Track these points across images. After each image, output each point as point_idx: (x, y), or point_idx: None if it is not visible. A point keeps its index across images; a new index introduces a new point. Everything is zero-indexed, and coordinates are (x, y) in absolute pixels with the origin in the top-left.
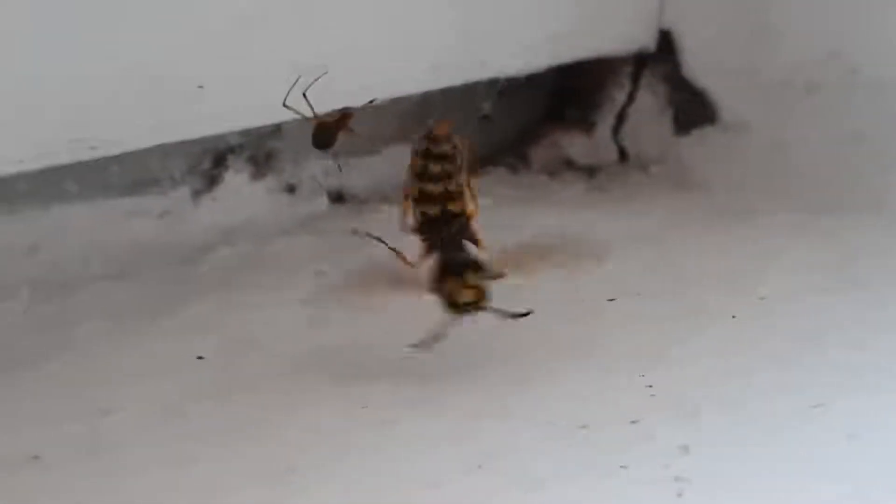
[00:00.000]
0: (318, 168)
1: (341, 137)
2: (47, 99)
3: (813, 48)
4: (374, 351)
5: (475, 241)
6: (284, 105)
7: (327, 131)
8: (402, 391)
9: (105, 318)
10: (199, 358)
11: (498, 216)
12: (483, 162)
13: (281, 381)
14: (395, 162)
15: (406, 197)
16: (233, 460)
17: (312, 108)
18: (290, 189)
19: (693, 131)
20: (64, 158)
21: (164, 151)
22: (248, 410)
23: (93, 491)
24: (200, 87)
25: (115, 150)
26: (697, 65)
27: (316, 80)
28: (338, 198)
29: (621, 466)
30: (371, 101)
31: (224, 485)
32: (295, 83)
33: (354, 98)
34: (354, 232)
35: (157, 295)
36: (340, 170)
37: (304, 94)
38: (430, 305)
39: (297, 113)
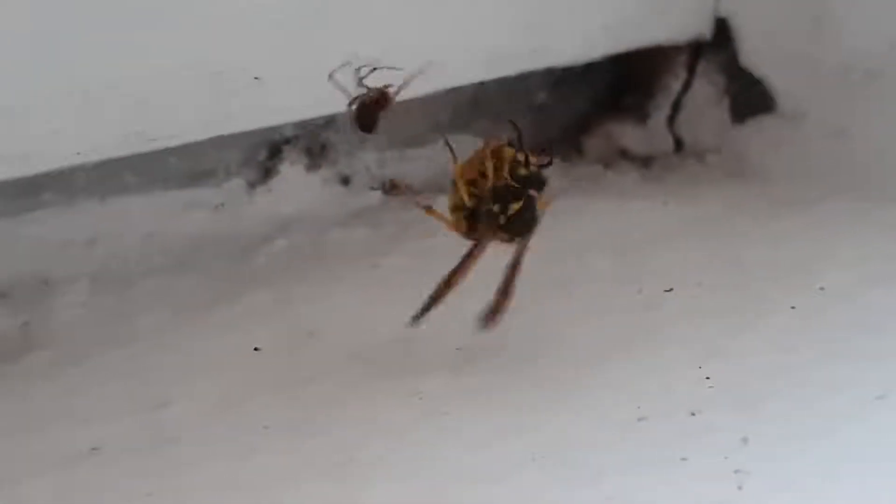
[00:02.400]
0: (372, 160)
1: (382, 119)
2: (106, 92)
3: (873, 35)
4: (431, 343)
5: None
6: (330, 78)
7: (368, 113)
8: (458, 383)
9: (163, 311)
10: (256, 350)
11: (552, 206)
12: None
13: (338, 373)
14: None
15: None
16: (291, 452)
17: (349, 91)
18: (345, 180)
19: (750, 120)
20: (122, 151)
21: (220, 143)
22: (306, 403)
23: (152, 483)
24: (257, 78)
25: (173, 142)
26: (755, 53)
27: (348, 64)
28: (392, 189)
29: (681, 459)
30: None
31: (283, 477)
32: (347, 64)
33: (411, 89)
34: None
35: (213, 287)
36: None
37: (330, 76)
38: (483, 296)
39: (340, 89)
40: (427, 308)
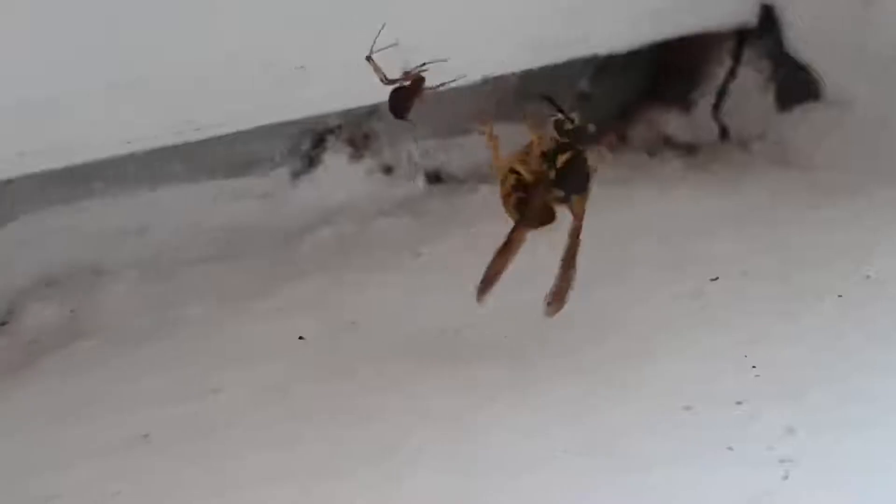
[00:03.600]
0: (415, 149)
1: (417, 104)
2: (155, 82)
3: None
4: (475, 332)
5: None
6: (367, 58)
7: (402, 97)
8: (504, 372)
9: (209, 300)
10: (301, 338)
11: (596, 195)
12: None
13: (382, 362)
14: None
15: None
16: (337, 441)
17: (384, 74)
18: (388, 170)
19: (796, 108)
20: (171, 140)
21: (265, 133)
22: (351, 391)
23: (200, 470)
24: (301, 68)
25: (220, 132)
26: (801, 40)
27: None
28: (435, 178)
29: (727, 448)
30: (444, 84)
31: (329, 465)
32: (389, 47)
33: (453, 78)
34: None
35: (259, 276)
36: (414, 125)
37: (367, 58)
38: (530, 284)
39: (376, 70)
40: (484, 282)
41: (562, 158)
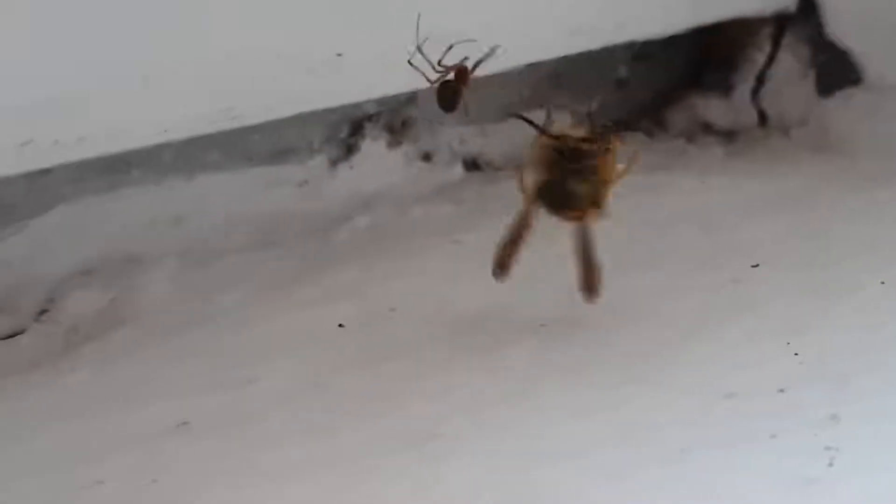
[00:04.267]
0: (453, 136)
1: (466, 95)
2: (192, 71)
3: None
4: (513, 319)
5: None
6: (409, 63)
7: (450, 91)
8: (542, 359)
9: (247, 288)
10: (340, 326)
11: (634, 181)
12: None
13: (420, 350)
14: (530, 129)
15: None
16: (376, 429)
17: (432, 68)
18: (426, 157)
19: (836, 93)
20: (207, 128)
21: (303, 120)
22: (389, 378)
23: (239, 458)
24: (339, 55)
25: (257, 120)
26: (841, 24)
27: (425, 40)
28: (473, 165)
29: (770, 436)
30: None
31: (368, 453)
32: (423, 42)
33: (491, 65)
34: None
35: (297, 264)
36: (467, 113)
37: (409, 62)
38: (566, 270)
39: (420, 72)
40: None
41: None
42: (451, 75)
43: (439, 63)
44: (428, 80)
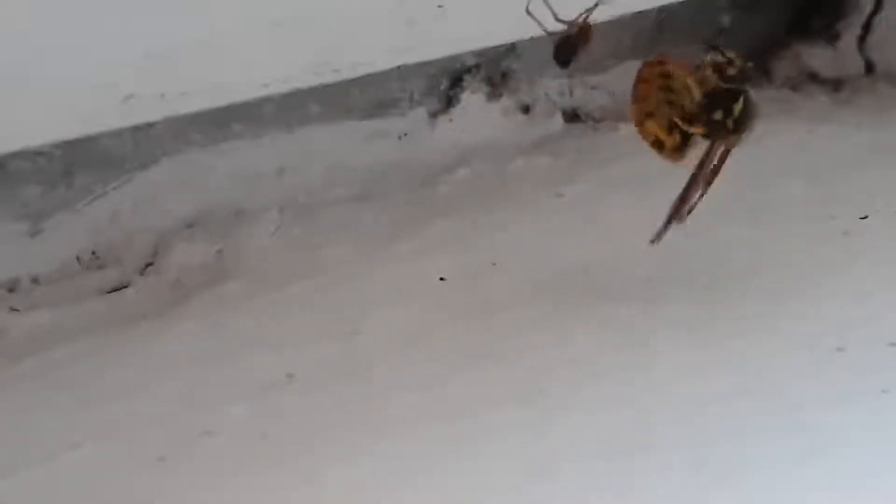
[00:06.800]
0: (552, 87)
1: (583, 53)
2: (291, 24)
3: None
4: (617, 273)
5: None
6: (527, 11)
7: (569, 46)
8: (649, 314)
9: (350, 240)
10: (441, 279)
11: None
12: None
13: (523, 303)
14: (630, 78)
15: None
16: (480, 382)
17: (552, 16)
18: (525, 109)
19: None
20: (308, 81)
21: (402, 73)
22: (493, 332)
23: (345, 409)
24: (440, 6)
25: (357, 73)
26: None
27: None
28: (573, 117)
29: (882, 391)
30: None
31: (471, 406)
32: None
33: (598, 13)
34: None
35: (398, 217)
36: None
37: (527, 11)
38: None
39: (538, 22)
40: (667, 226)
41: (737, 108)
42: (572, 30)
43: (556, 18)
44: (545, 31)
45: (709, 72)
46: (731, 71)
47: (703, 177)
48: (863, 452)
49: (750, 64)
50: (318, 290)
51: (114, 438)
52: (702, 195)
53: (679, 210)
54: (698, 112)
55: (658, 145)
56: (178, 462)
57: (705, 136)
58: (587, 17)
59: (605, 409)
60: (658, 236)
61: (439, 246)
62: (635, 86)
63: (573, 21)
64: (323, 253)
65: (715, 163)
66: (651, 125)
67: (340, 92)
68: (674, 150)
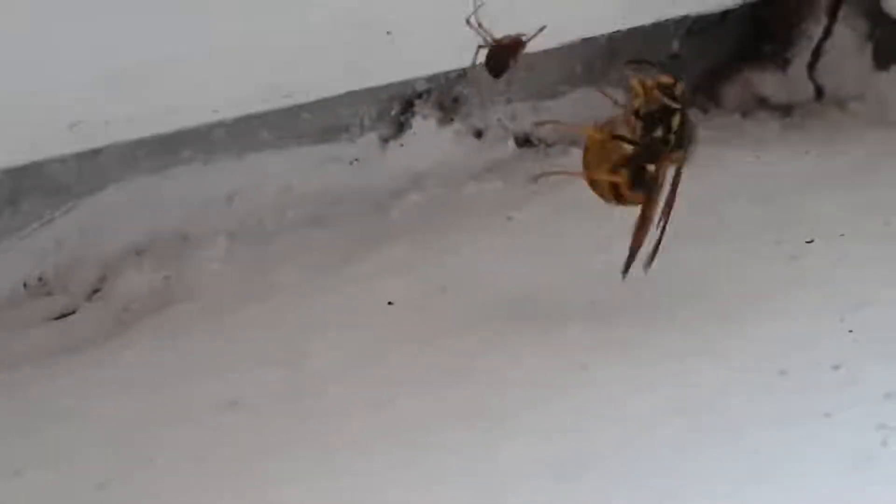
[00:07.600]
0: (504, 112)
1: (513, 66)
2: (242, 50)
3: None
4: (565, 296)
5: None
6: (467, 22)
7: (501, 57)
8: (595, 336)
9: (300, 265)
10: (390, 304)
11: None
12: None
13: (472, 327)
14: (582, 105)
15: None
16: (426, 405)
17: (486, 34)
18: (478, 134)
19: (893, 66)
20: (258, 106)
21: (353, 99)
22: (444, 355)
23: (292, 435)
24: (389, 33)
25: (307, 98)
26: None
27: (481, 5)
28: (525, 141)
29: (824, 414)
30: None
31: (419, 429)
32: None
33: (547, 40)
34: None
35: (349, 241)
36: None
37: (467, 21)
38: (619, 247)
39: (477, 33)
40: (631, 258)
41: (676, 120)
42: (505, 40)
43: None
44: (483, 40)
45: (640, 97)
46: (661, 90)
47: (660, 202)
48: (805, 475)
49: (678, 80)
50: (267, 315)
51: (54, 466)
52: (664, 224)
53: (639, 238)
54: (641, 135)
55: (614, 191)
56: (118, 489)
57: (650, 158)
58: (520, 34)
59: (551, 430)
60: (626, 268)
61: (389, 270)
62: (583, 155)
63: (507, 35)
64: (272, 278)
65: (670, 186)
66: (601, 175)
67: (291, 117)
68: (629, 186)
